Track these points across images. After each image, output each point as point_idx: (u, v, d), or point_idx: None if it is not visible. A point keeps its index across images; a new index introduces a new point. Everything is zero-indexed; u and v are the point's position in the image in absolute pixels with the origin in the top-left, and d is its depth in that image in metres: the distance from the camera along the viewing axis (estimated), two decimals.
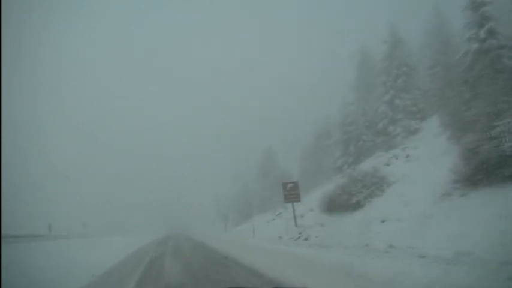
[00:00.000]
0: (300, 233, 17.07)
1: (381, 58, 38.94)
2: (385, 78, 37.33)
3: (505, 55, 16.26)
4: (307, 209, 20.25)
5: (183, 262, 11.80)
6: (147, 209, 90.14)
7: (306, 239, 16.15)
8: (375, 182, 17.32)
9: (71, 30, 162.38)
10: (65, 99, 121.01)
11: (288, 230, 17.95)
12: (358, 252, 9.89)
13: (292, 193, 18.27)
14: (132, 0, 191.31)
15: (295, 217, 18.11)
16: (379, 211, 14.70)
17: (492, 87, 12.82)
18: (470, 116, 13.78)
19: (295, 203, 22.99)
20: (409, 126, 31.91)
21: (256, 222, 29.80)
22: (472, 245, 7.73)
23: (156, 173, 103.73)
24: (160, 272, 9.72)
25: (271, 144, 59.23)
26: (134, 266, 11.70)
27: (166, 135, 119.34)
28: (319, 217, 18.29)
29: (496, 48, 16.40)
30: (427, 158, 19.76)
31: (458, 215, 9.82)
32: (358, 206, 16.92)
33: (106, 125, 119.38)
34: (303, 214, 19.52)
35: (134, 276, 9.14)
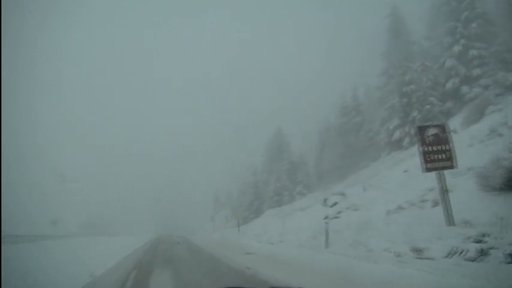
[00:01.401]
0: (480, 242, 7.20)
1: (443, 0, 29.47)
2: (452, 24, 27.84)
3: None
4: (429, 189, 10.52)
5: None
6: (142, 209, 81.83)
7: None
8: None
9: (68, 32, 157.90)
10: (62, 99, 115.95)
11: (430, 231, 8.05)
12: None
13: (438, 150, 8.37)
14: (125, 4, 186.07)
15: (448, 202, 8.16)
16: None
17: None
18: None
19: (374, 184, 14.11)
20: (504, 81, 22.30)
21: (291, 219, 19.88)
22: None
23: (153, 173, 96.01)
24: None
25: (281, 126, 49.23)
26: None
27: (164, 136, 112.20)
28: (488, 202, 8.52)
29: None
30: None
31: None
32: None
33: (102, 125, 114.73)
34: (436, 200, 9.71)
35: None
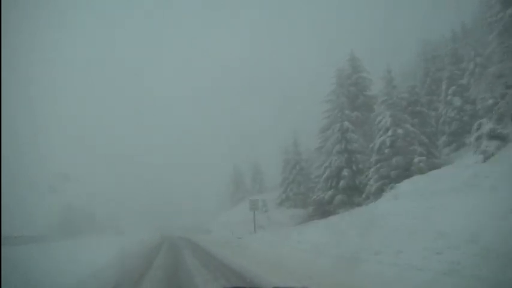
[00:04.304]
0: None
1: None
2: None
3: None
4: None
5: None
6: (150, 208, 75.83)
7: None
8: None
9: (69, 32, 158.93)
10: (62, 99, 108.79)
11: None
12: None
13: None
14: (127, 3, 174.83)
15: None
16: None
17: None
18: None
19: None
20: None
21: None
22: None
23: (162, 174, 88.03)
24: None
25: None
26: None
27: (170, 138, 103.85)
28: None
29: None
30: None
31: None
32: None
33: (103, 126, 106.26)
34: None
35: None
